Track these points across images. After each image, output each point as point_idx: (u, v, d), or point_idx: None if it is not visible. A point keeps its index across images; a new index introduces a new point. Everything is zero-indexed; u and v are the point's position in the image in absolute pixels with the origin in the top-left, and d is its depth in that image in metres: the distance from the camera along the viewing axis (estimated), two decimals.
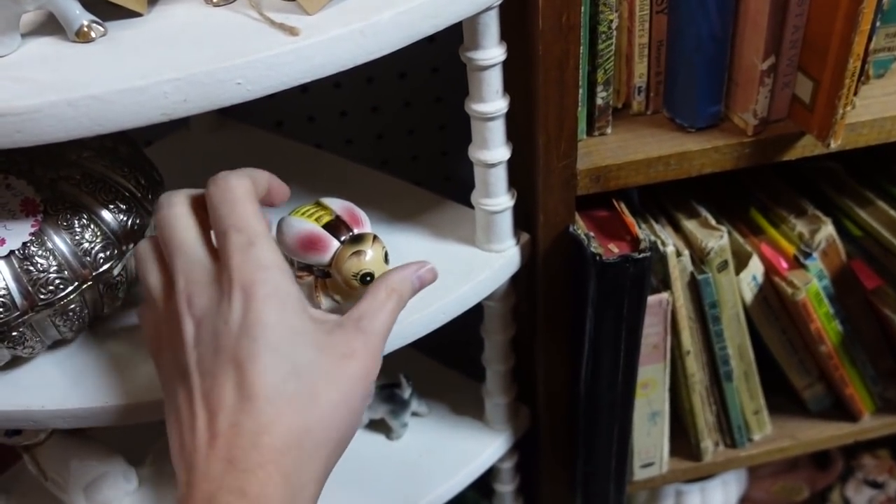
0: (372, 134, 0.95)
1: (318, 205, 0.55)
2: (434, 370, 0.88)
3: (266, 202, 0.50)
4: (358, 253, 0.51)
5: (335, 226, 0.53)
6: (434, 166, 0.99)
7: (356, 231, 0.52)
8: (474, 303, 0.65)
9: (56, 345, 0.60)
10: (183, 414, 0.42)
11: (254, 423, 0.40)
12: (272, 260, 0.43)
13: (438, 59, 0.91)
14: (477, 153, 0.61)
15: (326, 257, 0.52)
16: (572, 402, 0.77)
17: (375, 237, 0.51)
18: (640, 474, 0.85)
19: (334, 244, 0.52)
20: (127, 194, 0.58)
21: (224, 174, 0.45)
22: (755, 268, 0.75)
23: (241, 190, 0.44)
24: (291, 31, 0.45)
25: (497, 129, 0.59)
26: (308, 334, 0.43)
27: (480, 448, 0.79)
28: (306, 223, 0.52)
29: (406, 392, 0.79)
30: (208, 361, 0.42)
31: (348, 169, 0.78)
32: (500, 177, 0.62)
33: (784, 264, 0.76)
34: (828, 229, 0.76)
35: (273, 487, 0.39)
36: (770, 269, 0.76)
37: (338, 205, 0.54)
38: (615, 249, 0.64)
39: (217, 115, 0.85)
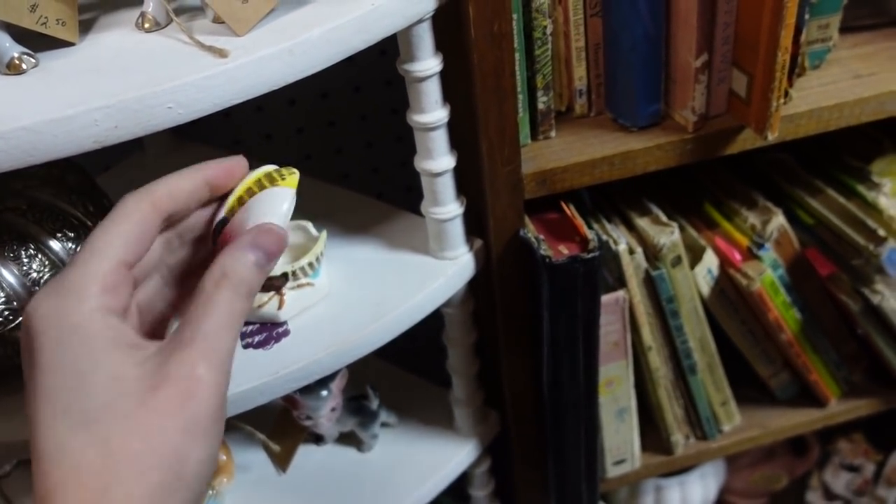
0: (330, 149, 0.96)
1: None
2: (402, 379, 0.89)
3: (219, 192, 0.44)
4: None
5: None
6: (394, 178, 1.00)
7: None
8: (430, 311, 0.65)
9: (9, 376, 0.60)
10: None
11: (42, 488, 0.34)
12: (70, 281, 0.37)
13: (391, 72, 0.91)
14: (422, 163, 0.62)
15: None
16: (538, 404, 0.77)
17: None
18: (612, 471, 0.85)
19: None
20: (75, 222, 0.58)
21: (131, 196, 0.39)
22: (710, 261, 0.77)
23: (120, 210, 0.39)
24: (221, 54, 0.46)
25: (440, 139, 0.60)
26: (104, 367, 0.35)
27: (451, 455, 0.80)
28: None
29: (374, 403, 0.79)
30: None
31: (303, 184, 0.78)
32: (447, 185, 0.63)
33: (738, 256, 0.77)
34: (779, 219, 0.77)
35: None
36: (725, 262, 0.77)
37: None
38: (565, 251, 0.64)
39: (173, 136, 0.85)
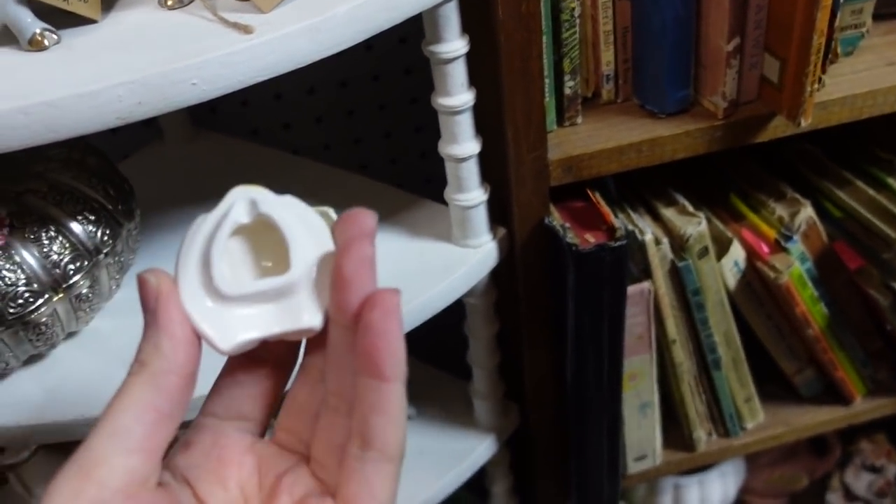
0: (349, 139, 0.95)
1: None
2: (422, 371, 0.88)
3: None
4: None
5: None
6: (413, 168, 0.99)
7: None
8: (452, 300, 0.64)
9: (31, 360, 0.59)
10: None
11: None
12: None
13: (411, 61, 0.90)
14: (446, 148, 0.60)
15: None
16: (560, 397, 0.76)
17: None
18: (633, 467, 0.84)
19: None
20: (96, 205, 0.57)
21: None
22: (736, 253, 0.75)
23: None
24: (245, 30, 0.45)
25: (465, 123, 0.59)
26: None
27: (470, 448, 0.79)
28: None
29: None
30: None
31: (322, 172, 0.77)
32: (471, 171, 0.62)
33: (765, 249, 0.76)
34: (807, 211, 0.75)
35: None
36: (752, 254, 0.76)
37: None
38: (591, 239, 0.63)
39: (191, 125, 0.85)
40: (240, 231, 0.32)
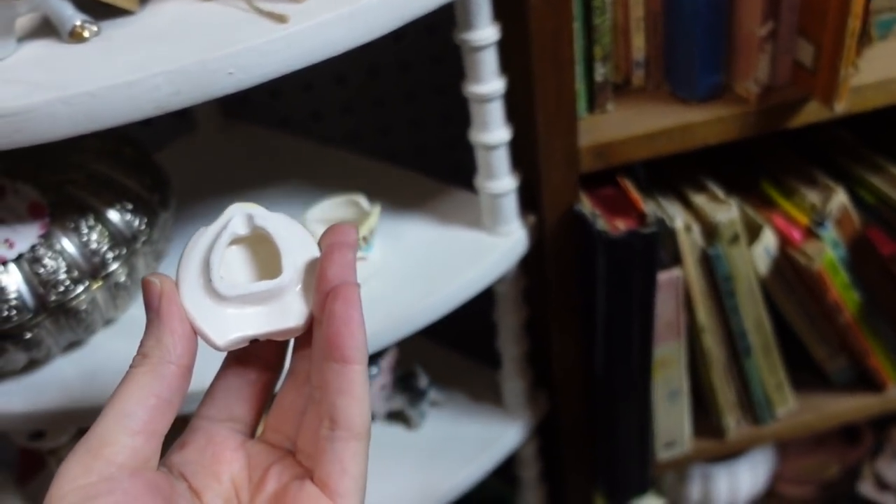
0: (377, 128, 0.95)
1: None
2: (451, 360, 0.88)
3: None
4: None
5: None
6: (442, 158, 0.99)
7: None
8: (483, 287, 0.65)
9: (71, 346, 0.60)
10: None
11: None
12: None
13: (439, 49, 0.91)
14: (477, 135, 0.61)
15: None
16: (589, 384, 0.76)
17: None
18: (663, 455, 0.84)
19: None
20: (133, 195, 0.58)
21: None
22: (767, 240, 0.75)
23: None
24: (280, 19, 0.46)
25: (495, 110, 0.59)
26: None
27: (498, 434, 0.79)
28: None
29: (422, 381, 0.79)
30: None
31: (351, 161, 0.78)
32: (501, 159, 0.62)
33: (797, 235, 0.75)
34: (839, 198, 0.75)
35: None
36: (784, 241, 0.75)
37: None
38: (622, 226, 0.63)
39: (223, 116, 0.85)
40: (236, 242, 0.36)
